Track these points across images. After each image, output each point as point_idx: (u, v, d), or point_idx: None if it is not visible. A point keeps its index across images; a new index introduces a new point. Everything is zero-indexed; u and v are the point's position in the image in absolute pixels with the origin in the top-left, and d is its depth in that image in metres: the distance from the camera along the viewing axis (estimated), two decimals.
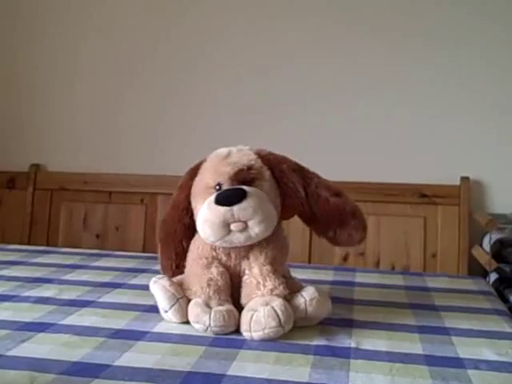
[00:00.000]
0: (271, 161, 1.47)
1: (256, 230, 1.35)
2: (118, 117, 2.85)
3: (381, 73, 2.58)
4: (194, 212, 1.45)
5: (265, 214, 1.36)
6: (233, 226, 1.34)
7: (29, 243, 2.74)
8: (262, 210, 1.35)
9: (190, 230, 1.48)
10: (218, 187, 1.40)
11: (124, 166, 2.80)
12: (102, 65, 2.85)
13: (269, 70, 2.67)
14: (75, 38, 2.87)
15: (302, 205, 1.46)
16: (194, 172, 1.50)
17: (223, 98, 2.73)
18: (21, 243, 2.67)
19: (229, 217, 1.33)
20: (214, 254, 1.42)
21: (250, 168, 1.41)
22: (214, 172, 1.42)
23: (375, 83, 2.58)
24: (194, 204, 1.46)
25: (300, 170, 1.50)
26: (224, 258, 1.42)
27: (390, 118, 2.57)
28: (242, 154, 1.45)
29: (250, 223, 1.34)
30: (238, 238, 1.36)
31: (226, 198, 1.35)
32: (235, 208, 1.33)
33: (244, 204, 1.33)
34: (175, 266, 1.52)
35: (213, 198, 1.36)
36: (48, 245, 2.70)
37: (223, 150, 1.47)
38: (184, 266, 1.49)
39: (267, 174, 1.44)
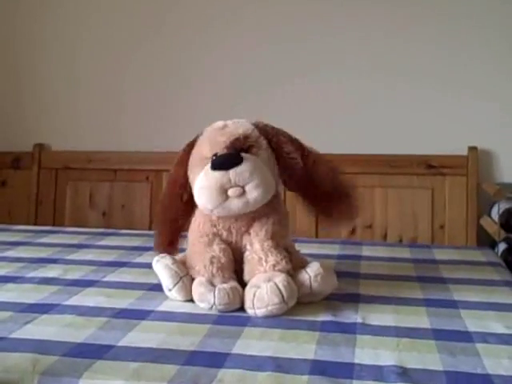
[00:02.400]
0: (268, 131, 1.45)
1: (254, 194, 1.32)
2: (120, 94, 2.82)
3: (386, 45, 2.53)
4: (192, 186, 1.42)
5: (262, 178, 1.33)
6: (230, 192, 1.32)
7: (35, 223, 2.74)
8: (258, 173, 1.33)
9: (188, 207, 1.45)
10: (214, 157, 1.37)
11: (128, 143, 2.78)
12: (103, 42, 2.82)
13: (271, 45, 2.63)
14: (76, 16, 2.83)
15: (300, 176, 1.43)
16: (190, 147, 1.47)
17: (226, 74, 2.69)
18: (27, 223, 2.67)
19: (225, 181, 1.31)
20: (215, 230, 1.41)
21: (246, 137, 1.39)
22: (209, 142, 1.40)
23: (381, 55, 2.54)
24: (191, 177, 1.43)
25: (298, 143, 1.48)
26: (225, 234, 1.40)
27: (396, 90, 2.53)
28: (239, 125, 1.42)
29: (247, 188, 1.32)
30: (235, 204, 1.33)
31: (222, 162, 1.33)
32: (231, 172, 1.31)
33: (240, 168, 1.31)
34: (169, 242, 1.50)
35: (208, 165, 1.35)
36: (54, 224, 2.70)
37: (219, 122, 1.45)
38: (178, 244, 1.49)
39: (264, 143, 1.41)
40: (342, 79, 2.58)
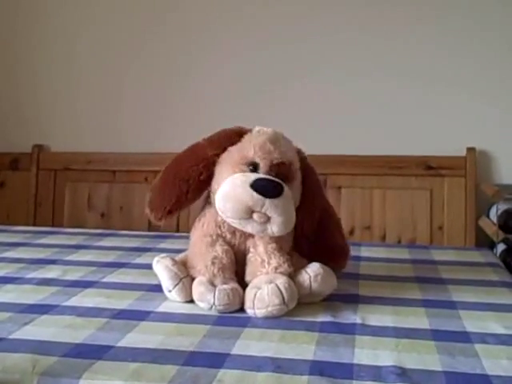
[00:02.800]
0: (307, 166, 1.46)
1: (275, 228, 1.31)
2: (120, 95, 2.82)
3: (385, 46, 2.54)
4: (216, 176, 1.39)
5: (289, 217, 1.33)
6: (256, 216, 1.30)
7: (34, 224, 2.73)
8: (288, 212, 1.32)
9: (201, 186, 1.42)
10: (252, 167, 1.35)
11: (127, 144, 2.78)
12: (102, 43, 2.82)
13: (271, 46, 2.64)
14: (76, 17, 2.83)
15: (310, 222, 1.44)
16: (234, 138, 1.41)
17: (226, 76, 2.69)
18: (26, 224, 2.66)
19: (258, 205, 1.29)
20: (219, 231, 1.41)
21: (290, 164, 1.38)
22: (256, 149, 1.36)
23: (380, 56, 2.54)
24: (219, 168, 1.39)
25: (323, 190, 1.52)
26: (229, 236, 1.40)
27: (394, 91, 2.53)
28: (290, 147, 1.42)
29: (272, 219, 1.30)
30: (254, 228, 1.32)
31: (266, 188, 1.30)
32: (268, 201, 1.29)
33: (277, 201, 1.30)
34: (169, 210, 1.41)
35: (250, 179, 1.31)
36: (53, 225, 2.70)
37: (269, 130, 1.41)
38: (174, 216, 1.43)
39: (300, 176, 1.42)
40: (341, 80, 2.58)
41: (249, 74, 2.67)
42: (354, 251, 1.93)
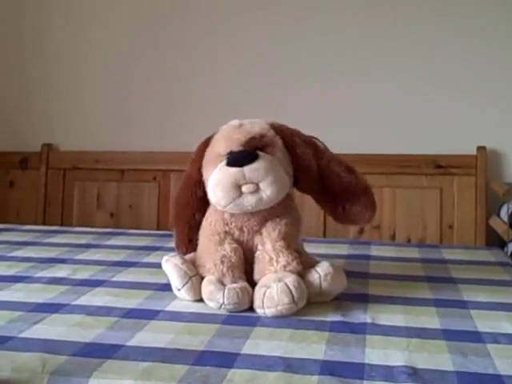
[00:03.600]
0: (284, 131, 1.44)
1: (268, 191, 1.32)
2: (128, 94, 2.82)
3: (397, 46, 2.53)
4: (206, 183, 1.42)
5: (276, 176, 1.33)
6: (244, 188, 1.31)
7: (43, 223, 2.74)
8: (273, 171, 1.33)
9: (203, 203, 1.46)
10: (229, 155, 1.37)
11: (136, 143, 2.78)
12: (111, 43, 2.82)
13: (278, 46, 2.63)
14: (84, 17, 2.84)
15: (314, 178, 1.43)
16: (205, 144, 1.47)
17: (234, 74, 2.69)
18: (35, 223, 2.68)
19: (240, 178, 1.31)
20: (227, 228, 1.40)
21: (262, 136, 1.39)
22: (225, 140, 1.39)
23: (389, 55, 2.53)
24: (205, 175, 1.43)
25: (313, 144, 1.47)
26: (237, 233, 1.40)
27: (404, 90, 2.52)
28: (255, 124, 1.42)
29: (261, 185, 1.31)
30: (249, 201, 1.33)
31: (237, 158, 1.33)
32: (246, 169, 1.31)
33: (255, 165, 1.31)
34: (188, 240, 1.51)
35: (224, 161, 1.34)
36: (62, 224, 2.70)
37: (235, 121, 1.44)
38: (197, 240, 1.47)
39: (279, 143, 1.41)
40: (351, 79, 2.57)
41: (256, 73, 2.66)
42: (363, 250, 1.95)
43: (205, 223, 1.46)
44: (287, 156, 1.42)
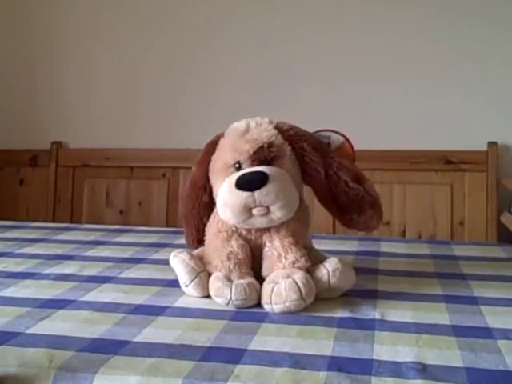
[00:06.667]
0: (292, 137, 1.42)
1: (278, 214, 1.31)
2: (137, 92, 2.82)
3: (407, 42, 2.52)
4: (213, 189, 1.42)
5: (287, 198, 1.32)
6: (254, 211, 1.30)
7: (53, 220, 2.75)
8: (284, 194, 1.31)
9: (209, 206, 1.46)
10: (237, 165, 1.36)
11: (145, 140, 2.79)
12: (119, 40, 2.83)
13: (284, 44, 2.64)
14: (92, 14, 2.84)
15: (321, 185, 1.42)
16: (210, 148, 1.45)
17: (243, 70, 2.69)
18: (45, 221, 2.68)
19: (250, 202, 1.29)
20: (234, 227, 1.39)
21: (270, 145, 1.36)
22: (232, 150, 1.37)
23: (402, 52, 2.52)
24: (212, 181, 1.43)
25: (321, 149, 1.45)
26: (244, 232, 1.39)
27: (415, 85, 2.51)
28: (262, 130, 1.39)
29: (272, 208, 1.30)
30: (260, 222, 1.33)
31: (247, 182, 1.30)
32: (256, 193, 1.29)
33: (266, 189, 1.29)
34: (197, 241, 1.51)
35: (233, 180, 1.32)
36: (72, 222, 2.71)
37: (241, 125, 1.41)
38: (203, 237, 1.47)
39: (288, 150, 1.39)
40: (361, 75, 2.56)
41: (263, 71, 2.68)
42: (373, 246, 1.93)
43: (212, 221, 1.45)
44: (296, 163, 1.40)
